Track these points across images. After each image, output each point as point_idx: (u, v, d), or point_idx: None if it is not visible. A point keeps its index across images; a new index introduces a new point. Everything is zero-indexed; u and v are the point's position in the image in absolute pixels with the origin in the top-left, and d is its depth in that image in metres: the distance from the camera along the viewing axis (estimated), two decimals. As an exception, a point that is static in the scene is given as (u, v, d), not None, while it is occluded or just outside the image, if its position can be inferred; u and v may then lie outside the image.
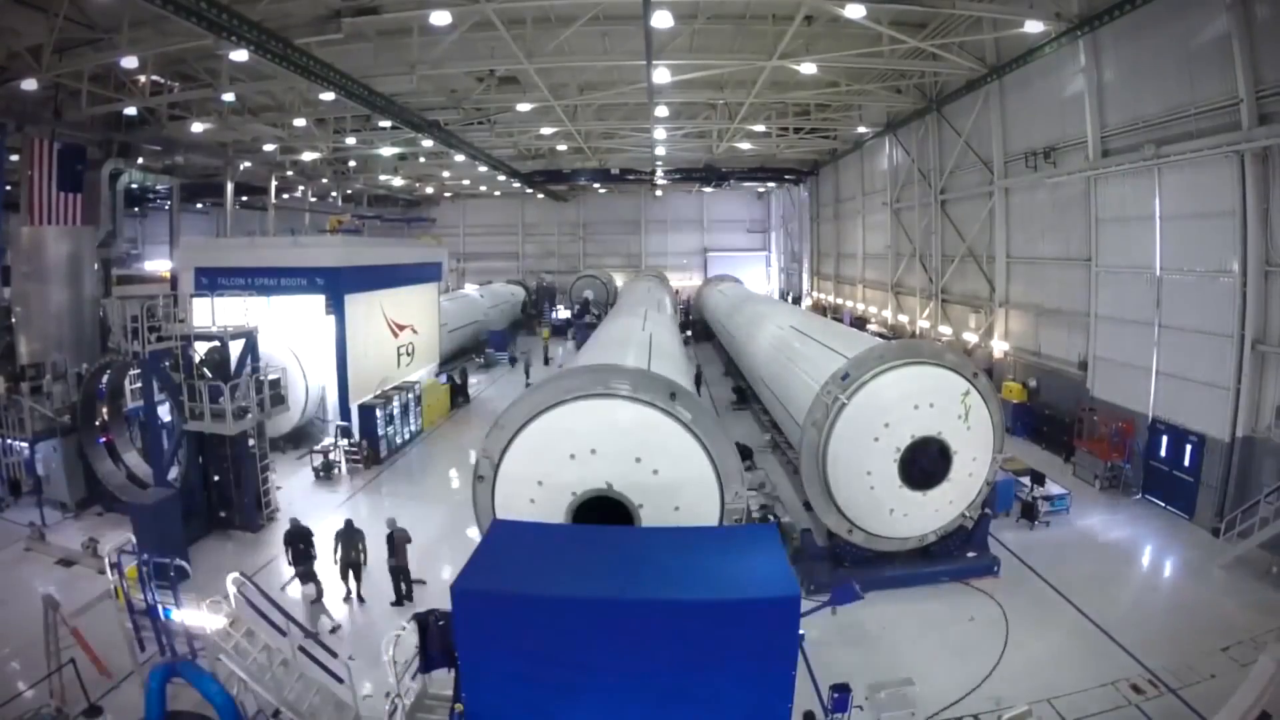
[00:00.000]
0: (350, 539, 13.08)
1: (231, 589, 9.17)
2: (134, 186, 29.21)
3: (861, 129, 33.47)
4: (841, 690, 8.26)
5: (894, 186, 33.77)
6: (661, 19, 17.34)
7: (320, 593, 12.81)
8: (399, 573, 12.94)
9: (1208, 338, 15.72)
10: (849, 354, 13.28)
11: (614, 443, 9.95)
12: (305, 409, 21.49)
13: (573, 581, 7.03)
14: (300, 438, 21.92)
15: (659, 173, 41.72)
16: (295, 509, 15.85)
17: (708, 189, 55.45)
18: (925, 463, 12.32)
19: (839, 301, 43.68)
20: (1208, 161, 15.39)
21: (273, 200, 38.22)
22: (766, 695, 6.68)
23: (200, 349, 16.00)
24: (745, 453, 16.10)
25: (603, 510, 9.96)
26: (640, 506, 9.90)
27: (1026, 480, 16.80)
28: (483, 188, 54.92)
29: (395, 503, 17.96)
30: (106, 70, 21.83)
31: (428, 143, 31.08)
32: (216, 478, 15.77)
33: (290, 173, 39.15)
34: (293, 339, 21.03)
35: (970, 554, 13.55)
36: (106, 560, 9.03)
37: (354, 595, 13.11)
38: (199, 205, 44.34)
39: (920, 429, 12.16)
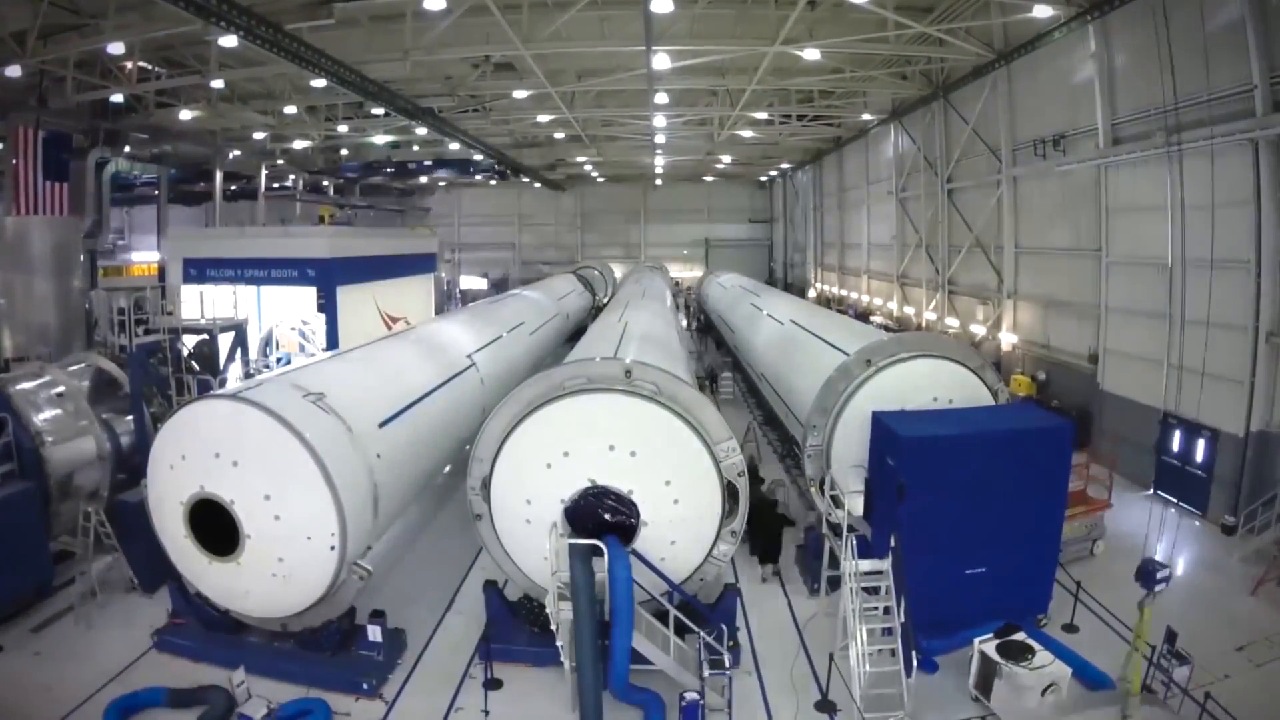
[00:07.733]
0: None
1: None
2: (131, 174, 28.63)
3: (866, 116, 32.91)
4: None
5: (899, 175, 33.26)
6: (661, 3, 16.88)
7: None
8: None
9: (1221, 330, 15.26)
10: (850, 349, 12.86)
11: (583, 439, 9.74)
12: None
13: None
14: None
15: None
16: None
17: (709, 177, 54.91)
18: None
19: (844, 293, 43.26)
20: (1221, 149, 14.91)
21: (263, 190, 37.63)
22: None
23: (188, 342, 15.59)
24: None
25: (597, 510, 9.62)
26: (631, 491, 9.62)
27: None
28: (478, 176, 54.28)
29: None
30: (93, 56, 21.41)
31: (422, 130, 30.54)
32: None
33: (281, 161, 38.61)
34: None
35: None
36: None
37: None
38: (192, 198, 43.65)
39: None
